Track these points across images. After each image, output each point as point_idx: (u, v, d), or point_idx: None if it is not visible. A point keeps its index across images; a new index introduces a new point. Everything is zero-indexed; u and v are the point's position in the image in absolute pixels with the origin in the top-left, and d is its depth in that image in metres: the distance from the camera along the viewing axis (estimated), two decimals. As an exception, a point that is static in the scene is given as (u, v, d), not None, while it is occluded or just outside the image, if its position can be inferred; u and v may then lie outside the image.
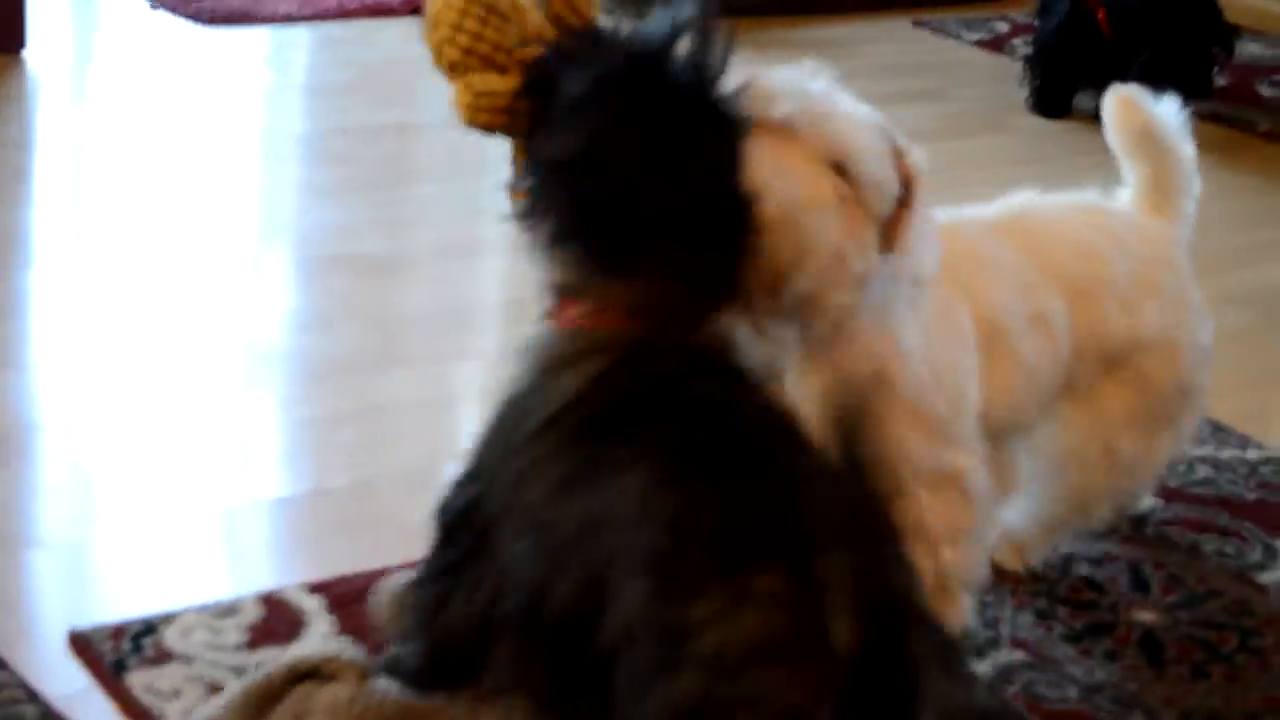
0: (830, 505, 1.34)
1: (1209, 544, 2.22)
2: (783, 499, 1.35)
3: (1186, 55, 4.18)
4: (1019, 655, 1.93)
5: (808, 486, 1.36)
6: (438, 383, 2.54)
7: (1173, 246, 2.08)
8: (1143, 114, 2.09)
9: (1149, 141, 2.10)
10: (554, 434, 1.46)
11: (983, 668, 1.89)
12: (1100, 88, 4.23)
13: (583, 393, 1.46)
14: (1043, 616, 2.02)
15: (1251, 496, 2.37)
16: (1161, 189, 2.10)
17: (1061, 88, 4.22)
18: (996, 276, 1.89)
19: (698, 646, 1.29)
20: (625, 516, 1.37)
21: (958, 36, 5.11)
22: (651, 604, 1.32)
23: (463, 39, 1.66)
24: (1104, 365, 1.99)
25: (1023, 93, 4.32)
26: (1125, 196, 2.12)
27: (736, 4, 5.42)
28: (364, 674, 1.68)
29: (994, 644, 1.95)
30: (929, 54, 4.93)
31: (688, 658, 1.29)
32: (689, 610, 1.30)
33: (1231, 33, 4.29)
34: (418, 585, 1.65)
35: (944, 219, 1.85)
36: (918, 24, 5.21)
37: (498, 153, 3.60)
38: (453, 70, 1.68)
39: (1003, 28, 5.25)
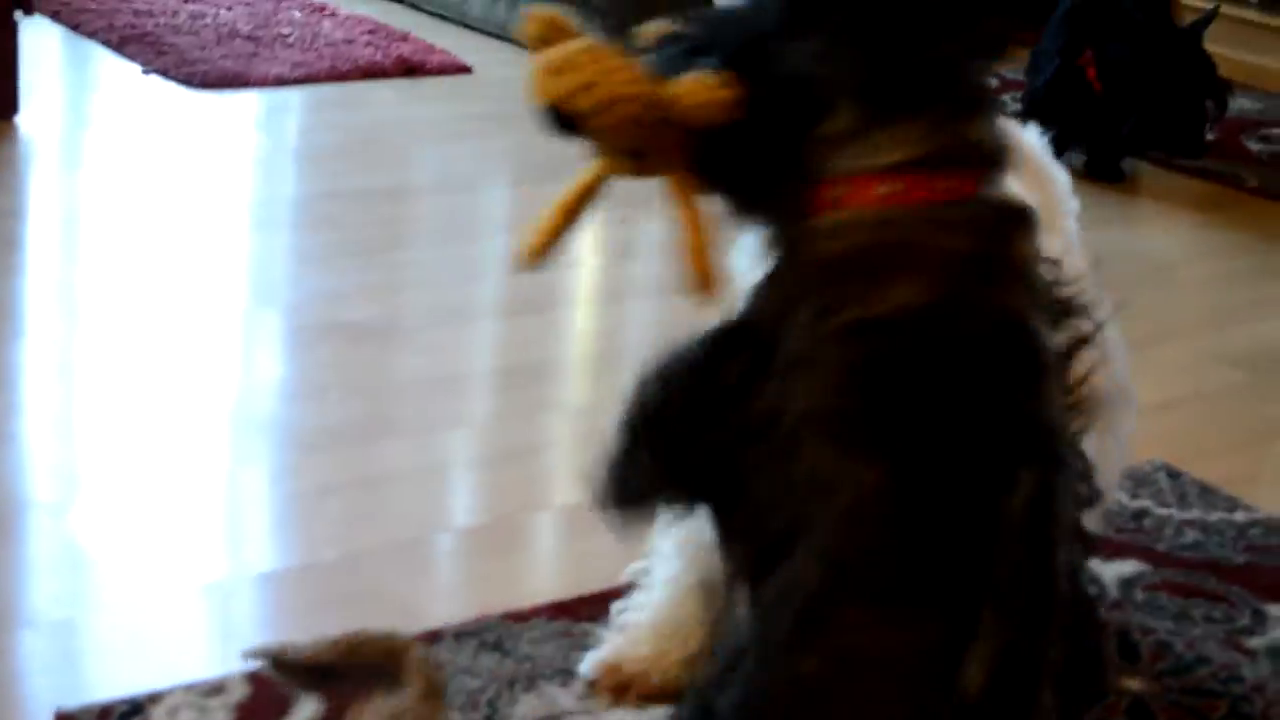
0: (1019, 567, 1.32)
1: (1197, 609, 2.22)
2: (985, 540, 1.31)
3: (1179, 111, 4.20)
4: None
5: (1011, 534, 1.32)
6: (430, 451, 2.54)
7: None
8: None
9: (1026, 170, 2.12)
10: (839, 346, 1.36)
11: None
12: (1092, 143, 4.29)
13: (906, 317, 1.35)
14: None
15: (1240, 559, 2.37)
16: (1045, 211, 2.13)
17: (1052, 143, 4.24)
18: None
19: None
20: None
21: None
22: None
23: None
24: None
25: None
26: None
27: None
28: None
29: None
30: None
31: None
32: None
33: (1225, 88, 4.31)
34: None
35: None
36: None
37: (490, 216, 3.65)
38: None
39: (991, 84, 5.28)
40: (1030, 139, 2.16)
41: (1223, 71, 5.55)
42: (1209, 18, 4.27)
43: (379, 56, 4.71)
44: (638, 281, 3.38)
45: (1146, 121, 4.09)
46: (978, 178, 1.40)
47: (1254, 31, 5.75)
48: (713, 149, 1.49)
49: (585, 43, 1.54)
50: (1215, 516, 2.48)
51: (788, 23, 1.43)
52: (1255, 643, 2.16)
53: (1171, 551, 2.36)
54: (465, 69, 4.79)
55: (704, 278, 1.56)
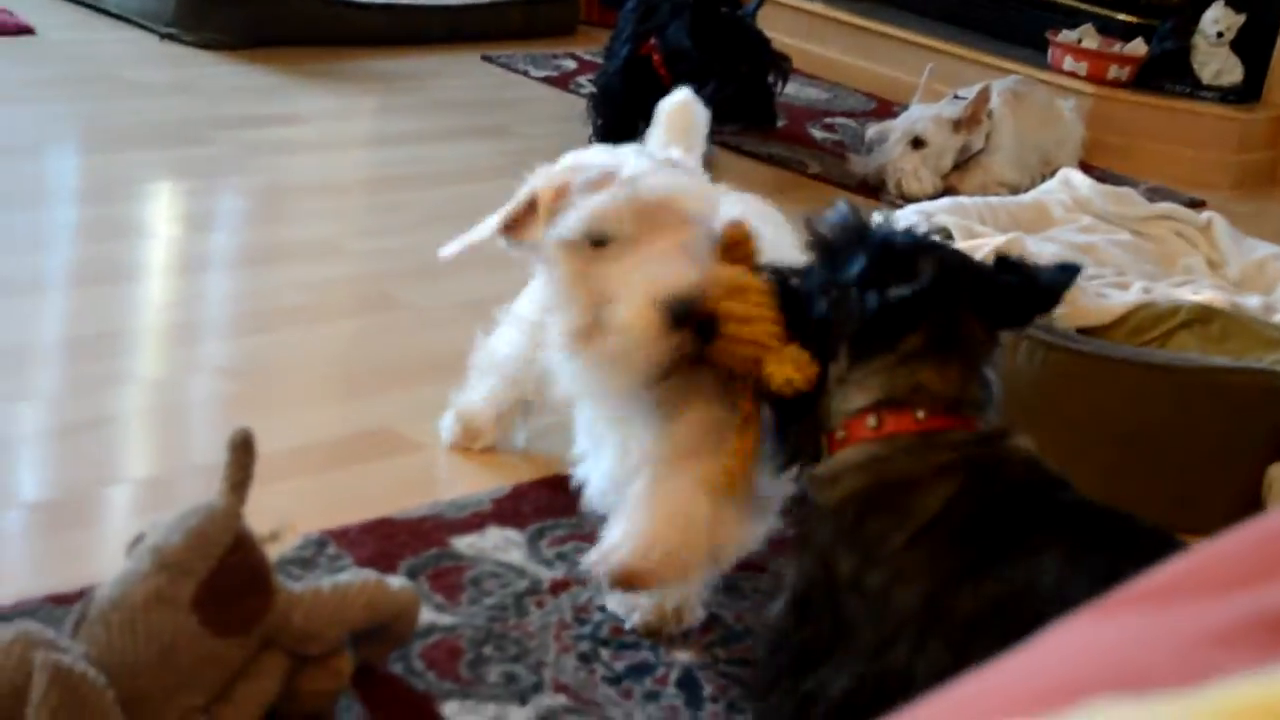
0: None
1: (747, 582, 2.33)
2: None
3: (747, 89, 4.36)
4: (561, 699, 2.00)
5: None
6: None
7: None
8: (694, 114, 2.50)
9: (692, 137, 2.48)
10: (924, 545, 1.63)
11: (526, 713, 1.96)
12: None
13: (943, 510, 1.64)
14: (585, 660, 2.08)
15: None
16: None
17: (623, 126, 4.36)
18: None
19: None
20: (1049, 587, 1.53)
21: (525, 73, 5.21)
22: None
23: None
24: None
25: (586, 130, 4.44)
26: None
27: (309, 35, 5.36)
28: None
29: (537, 688, 2.01)
30: (496, 89, 5.02)
31: None
32: None
33: (784, 60, 4.49)
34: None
35: None
36: (486, 59, 5.30)
37: (55, 184, 3.53)
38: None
39: (569, 65, 5.38)
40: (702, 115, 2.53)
41: (791, 64, 5.80)
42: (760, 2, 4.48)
43: (-64, 13, 4.50)
44: (210, 253, 3.34)
45: (719, 101, 4.24)
46: (940, 414, 1.72)
47: (819, 23, 6.01)
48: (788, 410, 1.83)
49: (766, 286, 1.86)
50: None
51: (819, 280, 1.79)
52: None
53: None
54: (27, 29, 4.62)
55: (733, 479, 1.91)
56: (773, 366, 1.79)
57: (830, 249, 1.80)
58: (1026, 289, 1.76)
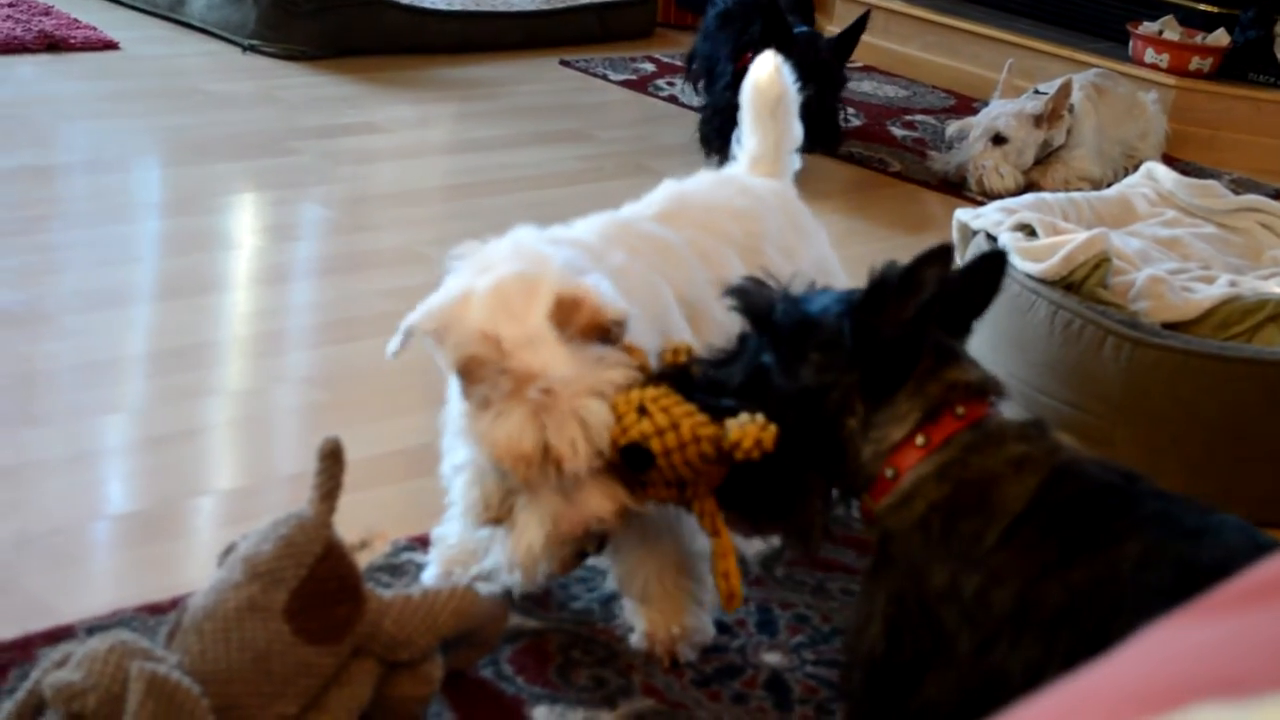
0: None
1: (834, 583, 2.32)
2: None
3: (810, 109, 4.33)
4: (649, 702, 2.00)
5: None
6: (79, 440, 2.49)
7: (796, 199, 2.49)
8: (783, 85, 2.49)
9: (779, 110, 2.48)
10: (1015, 543, 1.64)
11: (615, 716, 1.95)
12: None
13: (1030, 505, 1.65)
14: (673, 662, 2.08)
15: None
16: (776, 155, 2.50)
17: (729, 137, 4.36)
18: (679, 255, 2.15)
19: None
20: (1130, 572, 1.54)
21: (603, 76, 5.22)
22: None
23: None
24: None
25: (662, 132, 4.44)
26: (741, 166, 2.50)
27: (388, 44, 5.39)
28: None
29: (625, 692, 2.02)
30: (574, 94, 5.03)
31: None
32: None
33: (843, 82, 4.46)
34: None
35: (615, 219, 2.17)
36: (564, 63, 5.31)
37: (140, 197, 3.57)
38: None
39: (648, 68, 5.39)
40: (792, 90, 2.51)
41: (869, 59, 5.78)
42: (861, 24, 4.39)
43: (19, 31, 4.56)
44: (294, 264, 3.37)
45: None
46: (974, 401, 1.73)
47: (897, 20, 5.98)
48: (736, 480, 1.82)
49: (661, 388, 1.84)
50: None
51: (778, 355, 1.77)
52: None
53: (813, 526, 2.46)
54: (112, 45, 4.68)
55: (732, 595, 1.88)
56: (736, 434, 1.77)
57: (771, 322, 1.80)
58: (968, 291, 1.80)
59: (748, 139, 2.51)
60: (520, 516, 1.85)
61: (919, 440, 1.72)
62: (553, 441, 1.78)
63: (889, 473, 1.73)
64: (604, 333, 1.85)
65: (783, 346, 1.78)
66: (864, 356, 1.73)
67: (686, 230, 2.21)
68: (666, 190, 2.31)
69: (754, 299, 1.82)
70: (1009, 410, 1.80)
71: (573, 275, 1.87)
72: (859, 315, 1.73)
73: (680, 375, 1.87)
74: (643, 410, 1.82)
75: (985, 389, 1.75)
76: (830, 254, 2.49)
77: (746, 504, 1.85)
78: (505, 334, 1.80)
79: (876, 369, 1.73)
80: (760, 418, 1.76)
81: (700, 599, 2.09)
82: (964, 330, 1.83)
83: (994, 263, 1.81)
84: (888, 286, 1.72)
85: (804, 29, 4.40)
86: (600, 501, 1.83)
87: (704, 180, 2.39)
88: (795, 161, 2.55)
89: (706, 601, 2.10)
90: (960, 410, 1.72)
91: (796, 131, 2.53)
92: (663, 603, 2.07)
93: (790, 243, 2.36)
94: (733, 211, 2.30)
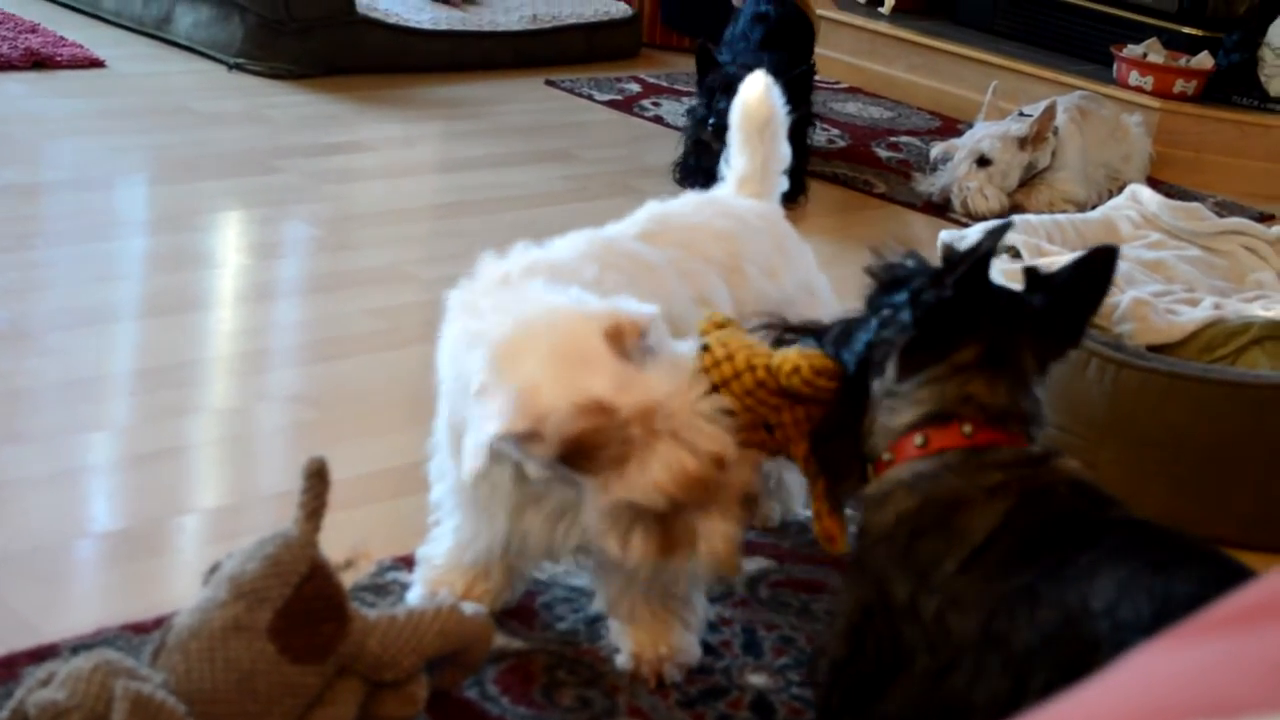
0: None
1: (819, 604, 2.32)
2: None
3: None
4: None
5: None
6: (63, 457, 2.49)
7: (781, 220, 2.49)
8: (772, 106, 2.50)
9: (767, 131, 2.49)
10: (977, 571, 1.61)
11: (603, 737, 1.95)
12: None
13: (994, 534, 1.62)
14: (658, 683, 2.07)
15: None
16: (763, 175, 2.50)
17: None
18: (661, 274, 2.15)
19: None
20: (1104, 611, 1.49)
21: (589, 97, 5.23)
22: None
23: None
24: None
25: (649, 155, 4.44)
26: (729, 186, 2.51)
27: (375, 63, 5.39)
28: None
29: (610, 713, 2.01)
30: (560, 114, 5.03)
31: None
32: None
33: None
34: None
35: (599, 237, 2.16)
36: (550, 83, 5.32)
37: (126, 215, 3.57)
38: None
39: (633, 88, 5.39)
40: (781, 112, 2.52)
41: (854, 81, 5.78)
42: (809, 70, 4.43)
43: (5, 48, 4.56)
44: (280, 282, 3.36)
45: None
46: (988, 427, 1.71)
47: (882, 41, 6.00)
48: (821, 433, 1.84)
49: (729, 327, 1.93)
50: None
51: (868, 307, 1.82)
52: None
53: (796, 549, 2.46)
54: (98, 63, 4.68)
55: (830, 537, 1.90)
56: (778, 360, 1.83)
57: (884, 279, 1.80)
58: (1064, 306, 1.77)
59: (736, 159, 2.52)
60: (700, 523, 1.84)
61: (918, 440, 1.71)
62: (707, 450, 1.79)
63: (886, 457, 1.73)
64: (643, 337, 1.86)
65: (872, 300, 1.82)
66: (917, 320, 1.72)
67: (668, 250, 2.22)
68: (649, 210, 2.32)
69: (889, 264, 1.84)
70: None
71: (587, 303, 1.87)
72: (924, 279, 1.73)
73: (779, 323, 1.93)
74: (705, 348, 1.89)
75: (1006, 418, 1.71)
76: (818, 275, 2.49)
77: (824, 459, 1.87)
78: (598, 391, 1.77)
79: (922, 334, 1.72)
80: (813, 350, 1.82)
81: (687, 620, 2.09)
82: (1077, 331, 1.79)
83: (1104, 258, 1.77)
84: (954, 255, 1.72)
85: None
86: (741, 470, 1.85)
87: (687, 201, 2.41)
88: (783, 183, 2.55)
89: (693, 622, 2.10)
90: (968, 429, 1.69)
91: (785, 152, 2.54)
92: (649, 623, 2.07)
93: (774, 264, 2.36)
94: (714, 232, 2.31)
